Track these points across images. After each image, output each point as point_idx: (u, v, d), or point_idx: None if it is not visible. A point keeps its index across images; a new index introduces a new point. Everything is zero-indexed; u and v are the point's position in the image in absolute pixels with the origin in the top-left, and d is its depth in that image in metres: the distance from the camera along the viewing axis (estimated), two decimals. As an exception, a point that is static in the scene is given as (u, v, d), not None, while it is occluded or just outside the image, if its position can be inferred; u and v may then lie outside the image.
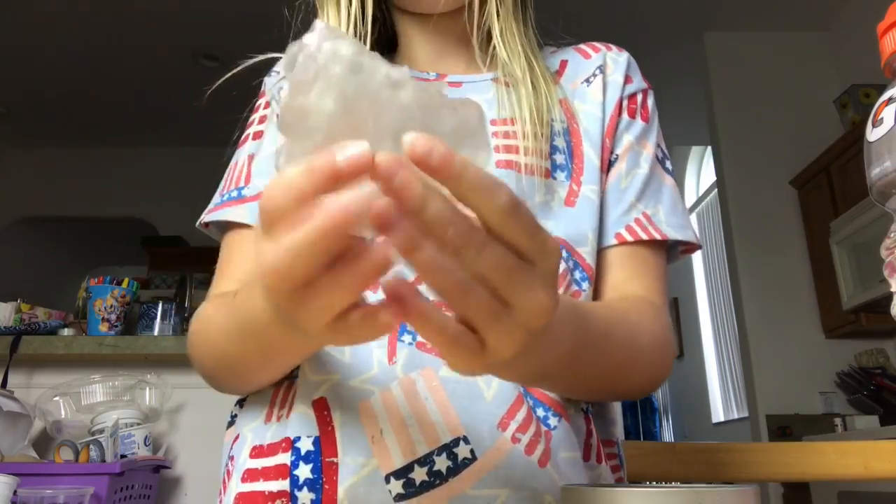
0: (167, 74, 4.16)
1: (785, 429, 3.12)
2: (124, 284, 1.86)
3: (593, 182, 0.65)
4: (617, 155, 0.69)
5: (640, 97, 0.73)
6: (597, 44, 0.76)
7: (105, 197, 5.16)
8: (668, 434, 5.78)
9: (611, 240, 0.65)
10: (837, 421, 2.94)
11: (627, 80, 0.73)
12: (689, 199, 5.69)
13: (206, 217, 0.68)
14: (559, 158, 0.65)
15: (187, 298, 2.79)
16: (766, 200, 3.51)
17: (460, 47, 0.72)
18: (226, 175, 0.71)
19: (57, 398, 1.64)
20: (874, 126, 0.37)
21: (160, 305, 1.95)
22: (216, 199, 0.69)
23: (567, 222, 0.63)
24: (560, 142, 0.66)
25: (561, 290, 0.61)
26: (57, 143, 5.10)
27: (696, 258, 5.33)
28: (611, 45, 0.76)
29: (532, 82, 0.65)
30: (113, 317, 1.82)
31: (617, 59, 0.73)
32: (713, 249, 5.03)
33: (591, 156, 0.67)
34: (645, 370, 0.58)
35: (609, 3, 3.54)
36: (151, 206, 5.11)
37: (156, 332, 1.90)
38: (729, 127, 3.65)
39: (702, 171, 5.54)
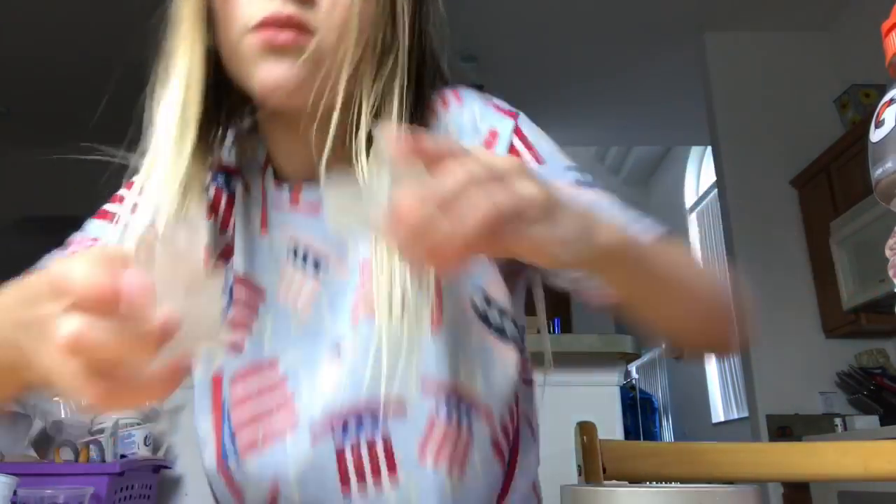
0: (167, 74, 4.16)
1: (785, 429, 3.11)
2: (124, 284, 1.85)
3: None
4: None
5: (518, 143, 0.59)
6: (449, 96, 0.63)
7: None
8: (668, 434, 5.78)
9: None
10: (837, 421, 2.94)
11: (488, 143, 0.58)
12: (689, 199, 5.69)
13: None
14: None
15: (187, 298, 2.77)
16: (766, 200, 3.51)
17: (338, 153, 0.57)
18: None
19: (57, 398, 1.63)
20: (876, 127, 0.37)
21: (160, 305, 1.94)
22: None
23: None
24: None
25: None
26: (57, 143, 5.09)
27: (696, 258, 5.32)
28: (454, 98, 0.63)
29: None
30: (113, 317, 1.81)
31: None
32: (713, 249, 5.03)
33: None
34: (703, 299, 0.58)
35: (609, 3, 3.54)
36: (151, 205, 5.10)
37: (156, 332, 1.89)
38: (729, 127, 3.65)
39: (702, 171, 5.54)
